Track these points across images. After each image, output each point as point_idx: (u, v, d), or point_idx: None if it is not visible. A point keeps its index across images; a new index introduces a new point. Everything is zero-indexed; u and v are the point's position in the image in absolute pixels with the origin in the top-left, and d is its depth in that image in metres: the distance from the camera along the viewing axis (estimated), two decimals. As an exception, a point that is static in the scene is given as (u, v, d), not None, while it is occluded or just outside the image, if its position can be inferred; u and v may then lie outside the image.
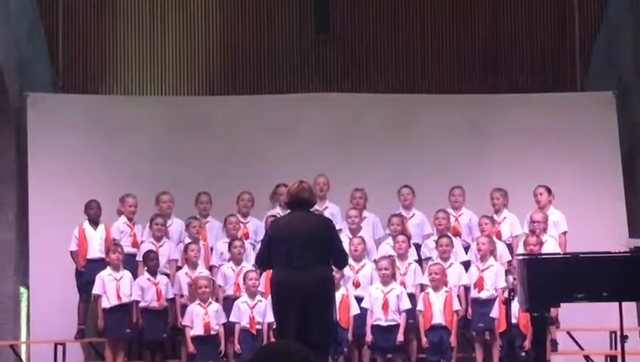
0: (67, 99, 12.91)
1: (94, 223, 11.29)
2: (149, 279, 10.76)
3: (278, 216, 10.98)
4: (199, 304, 10.59)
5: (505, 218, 11.35)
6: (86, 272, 11.11)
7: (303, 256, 7.91)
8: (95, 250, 11.19)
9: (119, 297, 10.71)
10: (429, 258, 11.11)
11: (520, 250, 10.68)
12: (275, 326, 8.52)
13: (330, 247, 8.10)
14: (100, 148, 12.18)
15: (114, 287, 10.72)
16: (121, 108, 12.78)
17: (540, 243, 10.71)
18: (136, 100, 13.37)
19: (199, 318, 10.56)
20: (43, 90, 12.92)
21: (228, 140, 12.37)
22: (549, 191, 11.32)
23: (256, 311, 10.56)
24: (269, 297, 10.40)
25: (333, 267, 8.41)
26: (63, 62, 13.91)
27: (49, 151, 12.06)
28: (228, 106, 12.87)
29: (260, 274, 10.56)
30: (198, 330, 10.54)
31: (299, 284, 7.84)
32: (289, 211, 8.41)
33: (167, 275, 10.96)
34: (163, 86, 13.95)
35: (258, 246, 11.17)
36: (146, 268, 10.83)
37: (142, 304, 10.72)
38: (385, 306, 10.51)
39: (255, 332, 10.52)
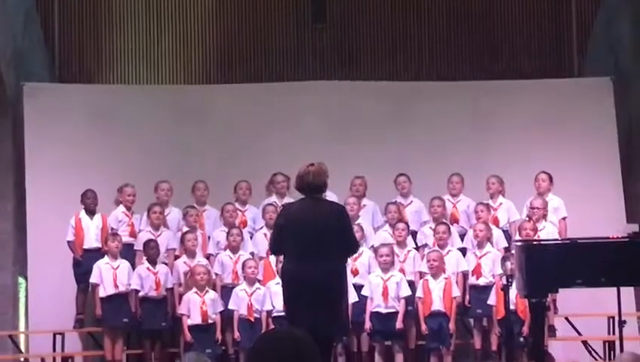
0: (64, 89, 12.89)
1: (91, 213, 11.29)
2: (148, 268, 10.75)
3: (274, 204, 11.00)
4: (196, 293, 10.59)
5: (501, 204, 11.35)
6: (83, 262, 11.11)
7: (315, 248, 7.62)
8: (91, 240, 11.19)
9: (116, 286, 10.70)
10: (425, 245, 11.12)
11: (517, 236, 10.68)
12: (284, 316, 8.36)
13: (342, 236, 7.81)
14: (97, 137, 12.17)
15: (111, 276, 10.71)
16: (117, 97, 12.75)
17: (535, 230, 10.71)
18: (133, 89, 13.33)
19: (196, 307, 10.56)
20: (39, 81, 12.89)
21: (225, 129, 12.35)
22: (551, 178, 11.32)
23: (255, 298, 10.56)
24: (268, 285, 10.51)
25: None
26: (59, 52, 13.86)
27: (46, 141, 12.05)
28: (225, 95, 12.84)
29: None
30: (195, 319, 10.54)
31: (311, 276, 7.57)
32: (301, 198, 8.04)
33: (166, 264, 10.96)
34: (160, 75, 13.91)
35: (256, 234, 11.22)
36: (145, 257, 10.82)
37: (141, 293, 10.72)
38: (385, 293, 10.51)
39: (253, 320, 10.52)
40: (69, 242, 11.24)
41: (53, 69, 13.82)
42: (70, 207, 11.34)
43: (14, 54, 12.24)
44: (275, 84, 13.31)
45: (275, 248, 8.31)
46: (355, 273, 10.73)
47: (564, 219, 11.27)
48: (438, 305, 10.48)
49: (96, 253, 11.03)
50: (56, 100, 12.38)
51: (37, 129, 12.09)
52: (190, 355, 4.94)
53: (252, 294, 10.58)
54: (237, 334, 10.58)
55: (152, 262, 10.78)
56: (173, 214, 11.43)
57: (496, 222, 11.22)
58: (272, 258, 10.31)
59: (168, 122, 12.36)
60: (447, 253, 10.79)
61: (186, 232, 10.98)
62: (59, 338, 11.05)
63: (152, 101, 12.65)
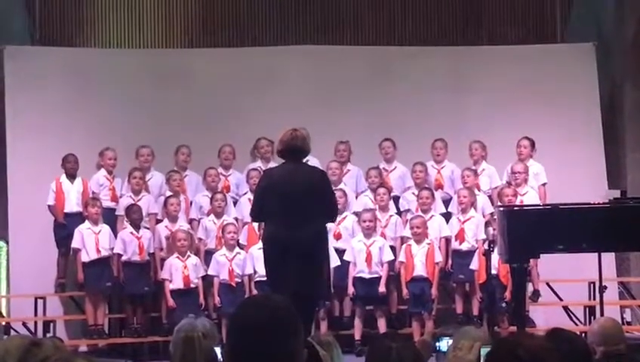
0: (44, 52, 12.76)
1: (71, 177, 11.25)
2: (131, 233, 10.73)
3: (259, 169, 10.97)
4: (178, 257, 10.58)
5: (484, 170, 11.38)
6: (64, 226, 11.08)
7: (298, 212, 7.61)
8: (72, 204, 11.16)
9: (98, 251, 10.68)
10: (408, 210, 11.13)
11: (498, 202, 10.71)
12: (267, 282, 8.34)
13: (322, 201, 7.82)
14: (78, 101, 12.10)
15: (93, 241, 10.69)
16: (99, 60, 12.65)
17: (516, 195, 10.75)
18: (115, 53, 13.22)
19: (178, 272, 10.55)
20: (20, 44, 12.77)
21: (207, 93, 12.29)
22: (533, 143, 11.35)
23: (235, 263, 10.56)
24: (250, 250, 10.50)
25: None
26: (39, 14, 13.68)
27: (27, 104, 11.98)
28: (207, 59, 12.76)
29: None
30: (177, 284, 10.54)
31: (294, 241, 7.55)
32: (282, 162, 8.04)
33: (148, 229, 10.93)
34: (141, 38, 13.76)
35: (239, 199, 11.19)
36: (128, 222, 10.79)
37: (123, 257, 10.71)
38: (368, 259, 10.53)
39: (235, 285, 10.52)
40: (49, 206, 11.21)
41: (34, 32, 13.66)
42: (51, 170, 11.30)
43: (-6, 16, 12.11)
44: (258, 48, 13.23)
45: (255, 214, 8.26)
46: (338, 237, 10.74)
47: (544, 185, 11.32)
48: (420, 270, 10.50)
49: (78, 217, 11.00)
50: (37, 63, 12.28)
51: (18, 92, 12.02)
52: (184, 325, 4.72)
53: (232, 259, 10.58)
54: (217, 299, 10.58)
55: (136, 226, 10.76)
56: (156, 178, 11.40)
57: (478, 187, 11.24)
58: (256, 223, 10.29)
59: (150, 86, 12.29)
60: (430, 218, 10.81)
61: (169, 197, 10.96)
62: (40, 302, 11.04)
63: (133, 65, 12.57)
